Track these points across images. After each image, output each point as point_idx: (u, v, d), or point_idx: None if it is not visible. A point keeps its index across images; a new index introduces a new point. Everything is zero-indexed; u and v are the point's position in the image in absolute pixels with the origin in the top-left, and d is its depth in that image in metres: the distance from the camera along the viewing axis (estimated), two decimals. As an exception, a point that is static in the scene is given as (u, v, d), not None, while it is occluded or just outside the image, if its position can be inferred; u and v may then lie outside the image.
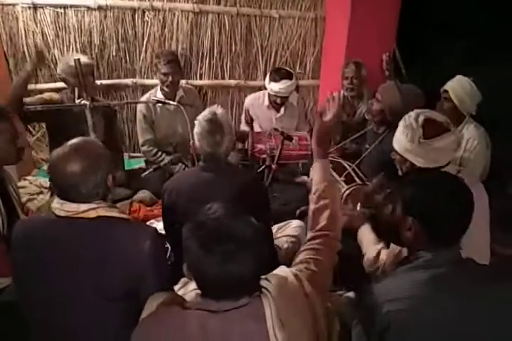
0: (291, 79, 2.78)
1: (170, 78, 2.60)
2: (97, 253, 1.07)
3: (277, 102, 2.89)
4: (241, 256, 0.87)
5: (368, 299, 1.00)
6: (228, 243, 0.87)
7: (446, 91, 2.20)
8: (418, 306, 0.94)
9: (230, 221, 0.91)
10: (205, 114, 1.66)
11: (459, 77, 2.20)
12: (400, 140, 1.46)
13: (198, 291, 0.94)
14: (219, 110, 1.67)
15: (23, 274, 1.14)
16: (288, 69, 2.93)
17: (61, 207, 1.11)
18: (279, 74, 2.76)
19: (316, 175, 1.29)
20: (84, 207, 1.10)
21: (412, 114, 1.48)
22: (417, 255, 1.03)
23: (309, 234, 1.20)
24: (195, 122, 1.66)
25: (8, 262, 1.17)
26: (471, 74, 2.21)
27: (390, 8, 2.93)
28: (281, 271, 1.01)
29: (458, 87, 2.16)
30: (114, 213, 1.14)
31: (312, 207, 1.25)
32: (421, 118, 1.43)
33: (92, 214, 1.10)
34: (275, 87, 2.76)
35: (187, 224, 0.93)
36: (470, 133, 2.21)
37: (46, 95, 2.33)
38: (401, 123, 1.49)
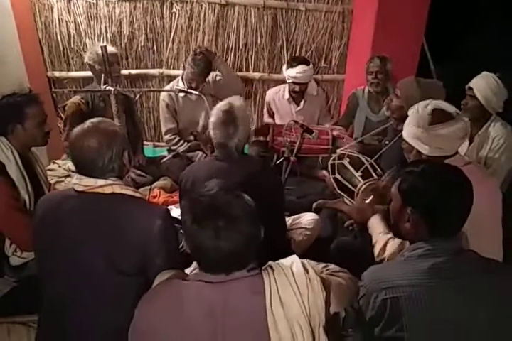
0: (307, 64, 2.81)
1: (194, 83, 2.65)
2: (109, 227, 1.13)
3: (296, 90, 2.89)
4: (230, 232, 0.90)
5: (365, 287, 1.01)
6: (219, 219, 0.90)
7: (470, 88, 2.13)
8: (416, 294, 0.94)
9: (224, 198, 0.94)
10: (223, 104, 1.64)
11: (484, 73, 2.13)
12: (407, 126, 1.50)
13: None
14: (238, 102, 1.64)
15: (40, 245, 1.22)
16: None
17: (80, 182, 1.18)
18: (295, 60, 2.82)
19: None
20: (101, 182, 1.16)
21: (423, 102, 1.51)
22: (416, 245, 1.03)
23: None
24: (213, 110, 1.66)
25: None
26: (506, 69, 2.13)
27: (420, 1, 2.86)
28: (291, 258, 1.03)
29: (483, 83, 2.09)
30: (129, 191, 1.19)
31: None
32: (430, 107, 1.46)
33: (108, 190, 1.16)
34: (292, 72, 2.79)
35: (184, 200, 0.97)
36: (496, 132, 2.15)
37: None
38: (410, 111, 1.52)
